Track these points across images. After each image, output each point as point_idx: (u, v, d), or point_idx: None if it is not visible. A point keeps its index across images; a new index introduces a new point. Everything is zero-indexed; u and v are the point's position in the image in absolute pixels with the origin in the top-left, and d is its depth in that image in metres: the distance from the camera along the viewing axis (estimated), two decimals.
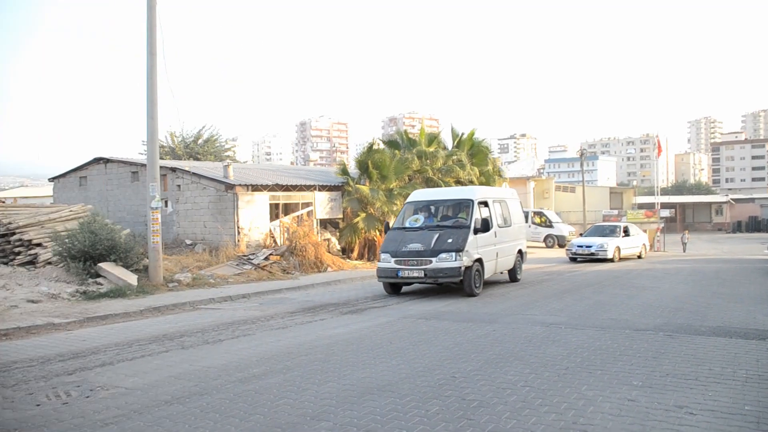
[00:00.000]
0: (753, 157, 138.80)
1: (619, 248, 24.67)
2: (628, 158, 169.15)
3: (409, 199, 15.98)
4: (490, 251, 14.52)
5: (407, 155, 25.52)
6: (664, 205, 52.20)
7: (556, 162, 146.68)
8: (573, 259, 24.86)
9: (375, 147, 25.74)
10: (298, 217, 22.39)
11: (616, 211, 47.10)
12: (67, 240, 14.85)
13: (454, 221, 14.44)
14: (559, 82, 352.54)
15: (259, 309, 12.45)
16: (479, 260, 13.86)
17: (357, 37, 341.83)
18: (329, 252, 21.32)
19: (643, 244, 27.28)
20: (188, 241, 21.49)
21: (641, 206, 57.22)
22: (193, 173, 21.95)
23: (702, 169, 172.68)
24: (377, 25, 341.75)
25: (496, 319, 10.50)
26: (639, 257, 26.48)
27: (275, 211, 22.18)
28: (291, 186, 22.68)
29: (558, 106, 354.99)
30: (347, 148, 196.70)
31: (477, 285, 13.72)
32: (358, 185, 23.25)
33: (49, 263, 15.41)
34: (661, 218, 42.26)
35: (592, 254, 24.13)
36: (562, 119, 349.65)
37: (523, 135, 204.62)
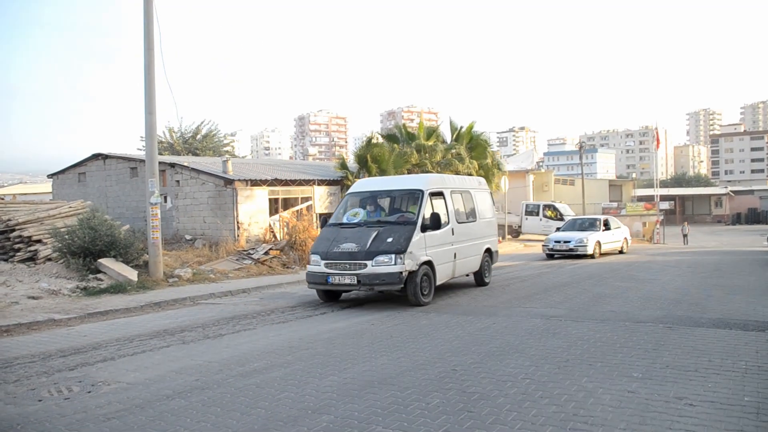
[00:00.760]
0: (752, 149, 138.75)
1: (599, 243, 22.91)
2: (627, 151, 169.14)
3: (351, 189, 13.66)
4: (444, 252, 12.27)
5: (406, 149, 25.55)
6: (664, 198, 52.29)
7: (556, 155, 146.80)
8: (550, 256, 23.03)
9: (374, 141, 25.77)
10: (297, 211, 22.40)
11: (615, 204, 47.13)
12: (66, 236, 14.85)
13: (399, 216, 12.14)
14: (557, 75, 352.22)
15: (260, 303, 12.46)
16: (428, 263, 11.60)
17: (355, 31, 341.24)
18: None
19: (625, 238, 25.47)
20: (188, 237, 21.49)
21: (641, 199, 57.23)
22: (192, 168, 21.94)
23: (701, 161, 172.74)
24: (375, 19, 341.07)
25: (496, 312, 10.51)
26: (620, 252, 24.79)
27: (274, 206, 22.18)
28: (290, 181, 22.68)
29: (557, 99, 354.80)
30: (346, 142, 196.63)
31: (425, 293, 11.51)
32: (357, 179, 23.22)
33: (49, 259, 15.41)
34: (661, 210, 42.29)
35: (571, 250, 22.34)
36: (561, 112, 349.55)
37: (522, 128, 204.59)
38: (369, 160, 23.34)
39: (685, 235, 38.94)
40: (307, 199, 23.15)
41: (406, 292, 11.33)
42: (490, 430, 4.91)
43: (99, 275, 14.41)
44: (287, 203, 22.83)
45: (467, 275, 14.04)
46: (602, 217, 24.91)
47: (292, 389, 6.18)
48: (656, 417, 5.06)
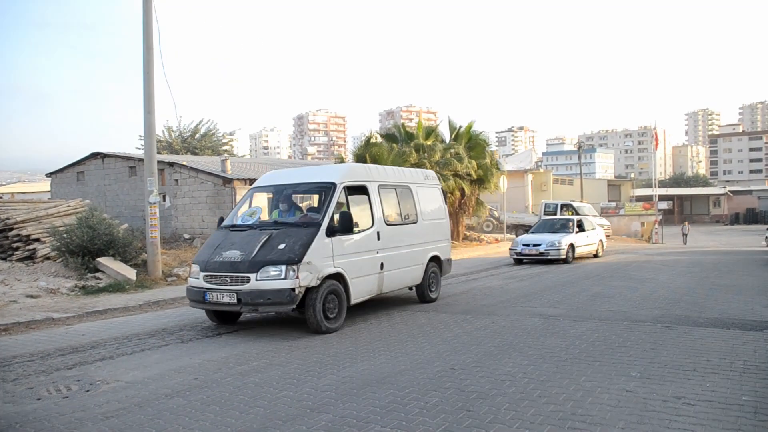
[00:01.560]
0: (750, 149, 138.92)
1: (573, 246, 20.53)
2: (626, 151, 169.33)
3: (255, 183, 11.38)
4: (365, 262, 9.78)
5: (405, 148, 25.58)
6: (662, 198, 52.36)
7: (554, 155, 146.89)
8: (518, 261, 20.68)
9: (373, 140, 25.80)
10: None
11: (614, 204, 47.20)
12: (65, 235, 14.84)
13: (302, 216, 9.84)
14: (557, 75, 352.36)
15: None
16: (338, 276, 9.17)
17: (354, 31, 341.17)
18: None
19: (600, 241, 23.23)
20: (186, 236, 21.49)
21: (639, 199, 57.30)
22: (191, 168, 21.95)
23: (700, 162, 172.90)
24: (374, 18, 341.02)
25: (495, 311, 10.52)
26: (595, 255, 22.63)
27: None
28: None
29: (556, 99, 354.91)
30: (345, 141, 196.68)
31: (332, 316, 9.04)
32: None
33: (48, 258, 15.41)
34: (659, 210, 42.34)
35: (542, 254, 20.10)
36: (560, 112, 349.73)
37: (521, 128, 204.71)
38: (368, 159, 23.34)
39: (685, 235, 39.00)
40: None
41: (304, 314, 8.86)
42: (489, 429, 4.91)
43: (97, 274, 14.41)
44: None
45: (410, 288, 11.76)
46: (575, 218, 22.76)
47: (290, 388, 6.18)
48: (654, 416, 5.07)
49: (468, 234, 30.77)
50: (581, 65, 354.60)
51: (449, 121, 29.52)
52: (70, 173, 27.28)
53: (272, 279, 8.50)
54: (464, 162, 26.56)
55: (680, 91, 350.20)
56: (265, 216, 10.31)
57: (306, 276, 8.59)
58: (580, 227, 21.78)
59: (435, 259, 12.06)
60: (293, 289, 8.48)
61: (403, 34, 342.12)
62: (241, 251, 8.87)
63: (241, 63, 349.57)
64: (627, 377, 6.23)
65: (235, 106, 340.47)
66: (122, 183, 24.61)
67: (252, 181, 21.11)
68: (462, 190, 27.06)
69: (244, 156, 60.52)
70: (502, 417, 5.16)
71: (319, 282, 8.77)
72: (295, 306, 8.60)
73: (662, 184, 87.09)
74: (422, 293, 11.76)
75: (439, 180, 14.56)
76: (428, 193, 12.33)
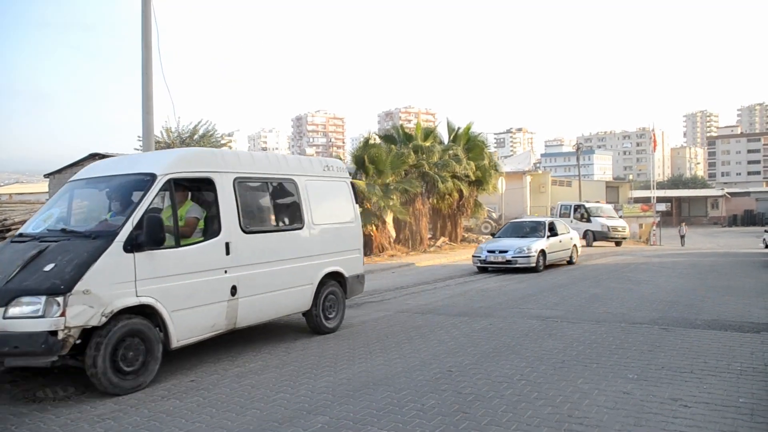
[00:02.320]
0: (749, 151, 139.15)
1: (544, 252, 18.14)
2: (624, 152, 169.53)
3: (72, 177, 8.30)
4: (200, 286, 7.08)
5: (403, 150, 25.57)
6: (660, 199, 52.35)
7: (553, 156, 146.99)
8: (483, 269, 18.27)
9: (371, 142, 25.78)
10: None
11: (612, 205, 47.16)
12: None
13: (100, 223, 7.07)
14: (555, 77, 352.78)
15: None
16: (146, 309, 6.52)
17: (353, 32, 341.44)
18: None
19: (574, 246, 20.89)
20: None
21: (637, 200, 57.37)
22: None
23: (698, 163, 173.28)
24: (373, 19, 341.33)
25: (492, 313, 10.51)
26: (569, 262, 20.41)
27: None
28: None
29: (554, 101, 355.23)
30: (343, 143, 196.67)
31: (132, 368, 6.32)
32: (354, 180, 23.16)
33: None
34: (657, 212, 42.37)
35: (508, 262, 17.61)
36: (559, 114, 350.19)
37: (520, 129, 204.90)
38: (366, 160, 23.34)
39: (682, 236, 38.98)
40: None
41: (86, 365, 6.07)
42: (486, 431, 4.91)
43: None
44: None
45: (302, 314, 8.97)
46: (547, 220, 20.38)
47: (287, 390, 6.17)
48: (651, 418, 5.07)
49: (466, 235, 30.78)
50: (580, 67, 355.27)
51: (448, 123, 29.57)
52: (68, 174, 27.17)
53: (24, 317, 5.77)
54: (462, 163, 26.57)
55: (679, 93, 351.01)
56: (50, 221, 7.50)
57: (81, 311, 5.82)
58: (553, 231, 19.37)
59: (335, 277, 9.27)
60: (54, 333, 5.69)
61: (402, 35, 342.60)
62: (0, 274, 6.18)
63: (240, 64, 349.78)
64: (624, 379, 6.23)
65: (233, 107, 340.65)
66: None
67: None
68: (460, 192, 27.08)
69: None
70: (499, 419, 5.15)
71: (105, 319, 6.02)
72: (59, 357, 5.82)
73: (660, 185, 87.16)
74: (313, 322, 8.91)
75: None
76: (326, 188, 9.42)
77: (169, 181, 6.98)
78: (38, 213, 7.81)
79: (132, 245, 6.36)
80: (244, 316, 7.73)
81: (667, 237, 39.74)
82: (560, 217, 33.75)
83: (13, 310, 5.79)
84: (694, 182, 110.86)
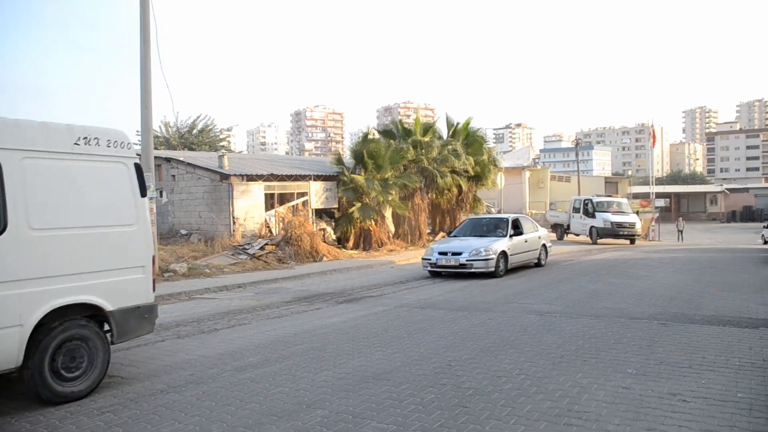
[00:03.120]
0: (747, 147, 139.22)
1: (505, 255, 15.65)
2: (624, 148, 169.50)
3: None
4: None
5: (402, 145, 25.56)
6: (659, 195, 52.47)
7: (552, 152, 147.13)
8: (435, 273, 15.84)
9: (370, 137, 25.76)
10: (293, 206, 22.38)
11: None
12: None
13: None
14: (555, 72, 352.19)
15: (255, 298, 12.46)
16: None
17: (353, 27, 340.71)
18: (324, 242, 21.34)
19: (543, 246, 18.17)
20: (183, 231, 21.47)
21: (636, 196, 57.37)
22: (188, 163, 21.91)
23: (697, 159, 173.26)
24: (373, 15, 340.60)
25: (492, 308, 10.53)
26: (537, 264, 17.88)
27: (270, 201, 22.16)
28: (286, 176, 22.65)
29: (554, 96, 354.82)
30: (342, 137, 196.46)
31: None
32: (353, 175, 23.23)
33: None
34: (656, 208, 42.39)
35: (462, 266, 15.12)
36: (558, 109, 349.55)
37: (519, 125, 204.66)
38: (365, 155, 23.32)
39: (680, 231, 38.95)
40: (303, 194, 23.12)
41: None
42: (485, 425, 4.91)
43: None
44: (283, 198, 22.79)
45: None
46: (510, 217, 17.56)
47: (286, 384, 6.18)
48: (650, 413, 5.08)
49: None
50: (579, 62, 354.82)
51: (447, 118, 29.50)
52: None
53: None
54: (461, 158, 26.53)
55: (678, 89, 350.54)
56: None
57: None
58: (517, 229, 16.78)
59: (85, 310, 6.15)
60: None
61: (401, 30, 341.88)
62: None
63: (238, 59, 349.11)
64: (623, 374, 6.24)
65: (232, 102, 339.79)
66: None
67: (249, 176, 21.08)
68: (459, 187, 27.06)
69: (241, 152, 60.57)
70: (498, 413, 5.16)
71: None
72: None
73: (659, 181, 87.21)
74: (32, 384, 5.68)
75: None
76: (77, 173, 6.28)
77: None
78: None
79: None
80: None
81: (666, 232, 39.75)
82: (573, 212, 32.86)
83: None
84: (693, 178, 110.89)
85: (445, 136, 28.88)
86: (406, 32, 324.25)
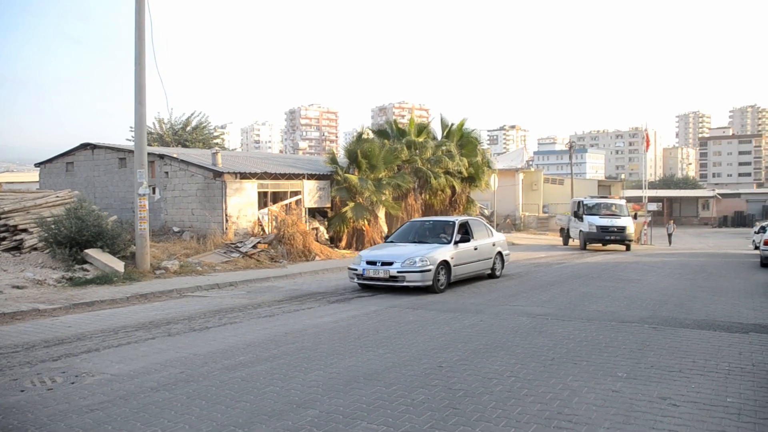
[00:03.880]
0: (740, 153, 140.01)
1: (447, 265, 13.24)
2: (617, 151, 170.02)
3: None
4: None
5: (396, 145, 25.55)
6: (652, 199, 52.48)
7: (545, 154, 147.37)
8: (364, 286, 13.36)
9: (364, 136, 25.76)
10: (286, 205, 22.34)
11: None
12: (53, 226, 14.73)
13: None
14: (549, 75, 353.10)
15: (247, 297, 12.43)
16: None
17: (348, 26, 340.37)
18: (317, 241, 21.32)
19: (499, 254, 15.76)
20: (176, 229, 21.40)
21: (629, 199, 57.35)
22: (182, 160, 21.84)
23: (689, 164, 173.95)
24: (368, 14, 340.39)
25: (483, 310, 10.54)
26: (491, 275, 15.43)
27: (263, 200, 22.13)
28: (280, 174, 22.61)
29: (548, 99, 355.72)
30: (337, 137, 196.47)
31: None
32: (347, 174, 23.21)
33: (35, 249, 15.29)
34: (649, 212, 42.50)
35: (393, 278, 12.63)
36: (552, 112, 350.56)
37: (513, 127, 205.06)
38: (359, 155, 23.31)
39: (669, 234, 39.05)
40: (296, 193, 23.09)
41: None
42: (475, 427, 4.92)
43: (85, 266, 14.32)
44: (276, 197, 22.76)
45: None
46: (458, 220, 14.83)
47: (277, 383, 6.17)
48: (640, 416, 5.09)
49: None
50: (574, 66, 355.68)
51: (441, 119, 29.52)
52: (59, 164, 27.06)
53: None
54: (455, 159, 26.56)
55: (671, 94, 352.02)
56: None
57: None
58: (465, 235, 14.46)
59: None
60: None
61: (396, 30, 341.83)
62: None
63: (233, 56, 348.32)
64: (613, 377, 6.25)
65: (227, 100, 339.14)
66: (112, 174, 24.44)
67: (243, 174, 21.03)
68: (453, 188, 27.08)
69: (235, 149, 60.42)
70: (488, 415, 5.17)
71: None
72: None
73: (652, 185, 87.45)
74: None
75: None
76: None
77: None
78: None
79: None
80: None
81: (658, 237, 39.90)
82: (572, 215, 30.32)
83: None
84: (686, 182, 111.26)
85: (439, 137, 28.90)
86: (402, 32, 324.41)
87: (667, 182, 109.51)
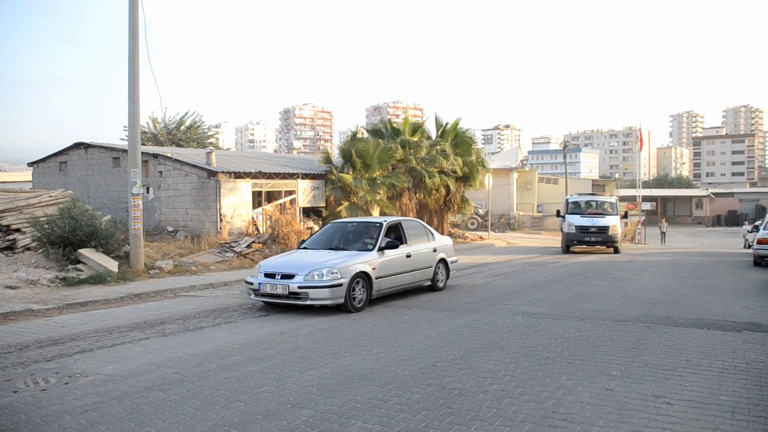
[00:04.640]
0: (733, 152, 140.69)
1: (367, 277, 10.80)
2: (611, 151, 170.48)
3: None
4: None
5: (391, 144, 25.56)
6: (646, 198, 52.67)
7: (540, 154, 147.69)
8: (269, 303, 10.96)
9: (359, 136, 25.77)
10: (280, 205, 22.31)
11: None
12: (46, 225, 14.67)
13: None
14: (544, 75, 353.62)
15: (241, 297, 12.39)
16: None
17: (342, 26, 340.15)
18: None
19: (441, 262, 13.15)
20: (170, 228, 21.34)
21: (623, 199, 57.46)
22: (176, 160, 21.78)
23: (683, 163, 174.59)
24: (363, 14, 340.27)
25: (478, 309, 10.54)
26: (432, 287, 12.85)
27: (258, 199, 22.09)
28: (274, 174, 22.57)
29: (543, 99, 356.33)
30: (331, 136, 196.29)
31: None
32: (341, 174, 23.20)
33: (28, 249, 15.22)
34: (643, 211, 42.61)
35: (294, 295, 10.22)
36: (547, 111, 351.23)
37: (508, 126, 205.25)
38: (354, 154, 23.30)
39: (663, 233, 39.13)
40: (290, 192, 23.06)
41: None
42: (470, 426, 4.92)
43: (79, 266, 14.26)
44: (271, 196, 22.72)
45: None
46: (384, 221, 12.14)
47: (272, 383, 6.16)
48: (634, 415, 5.11)
49: (452, 231, 30.84)
50: (568, 65, 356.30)
51: (436, 118, 29.54)
52: (53, 163, 26.95)
53: None
54: (450, 159, 26.58)
55: (665, 93, 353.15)
56: None
57: None
58: (395, 239, 11.94)
59: None
60: None
61: (391, 30, 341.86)
62: None
63: (228, 55, 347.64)
64: (608, 376, 6.27)
65: (221, 99, 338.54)
66: (105, 174, 24.35)
67: (237, 174, 20.99)
68: (447, 187, 27.10)
69: (229, 149, 60.27)
70: (483, 414, 5.17)
71: None
72: None
73: (646, 184, 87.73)
74: None
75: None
76: None
77: None
78: None
79: None
80: None
81: (652, 236, 40.02)
82: (570, 214, 25.79)
83: None
84: (679, 182, 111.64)
85: (433, 137, 28.92)
86: (397, 32, 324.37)
87: (661, 181, 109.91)
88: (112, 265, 14.26)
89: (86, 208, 15.55)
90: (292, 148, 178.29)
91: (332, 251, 11.53)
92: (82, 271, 14.01)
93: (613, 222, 24.81)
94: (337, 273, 10.29)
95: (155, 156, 22.54)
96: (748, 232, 32.63)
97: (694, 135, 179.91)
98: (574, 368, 6.59)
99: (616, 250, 24.93)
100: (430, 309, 10.65)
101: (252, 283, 10.81)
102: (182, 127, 46.64)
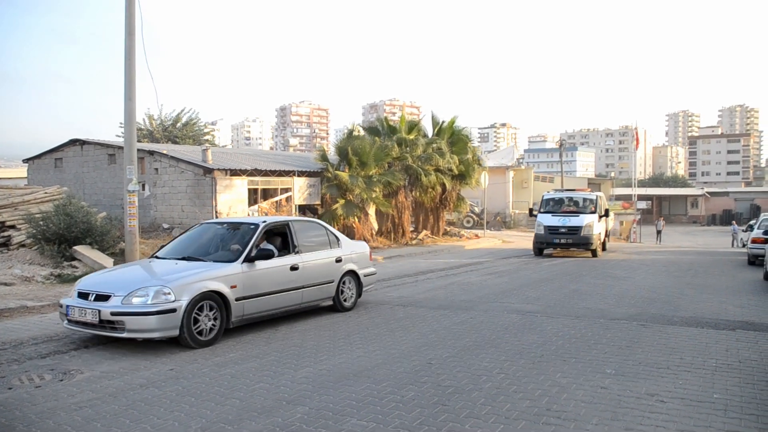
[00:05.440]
0: (728, 152, 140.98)
1: (224, 298, 7.90)
2: (607, 150, 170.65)
3: None
4: None
5: (387, 142, 25.53)
6: (641, 197, 52.94)
7: (536, 152, 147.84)
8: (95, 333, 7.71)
9: (355, 133, 25.73)
10: (276, 202, 22.31)
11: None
12: (41, 222, 14.63)
13: None
14: (540, 73, 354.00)
15: None
16: None
17: (339, 23, 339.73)
18: None
19: (350, 273, 10.39)
20: (165, 225, 21.32)
21: (619, 198, 57.85)
22: (171, 157, 21.75)
23: (679, 162, 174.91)
24: (359, 11, 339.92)
25: (473, 307, 10.56)
26: (335, 307, 10.10)
27: (254, 196, 22.08)
28: (270, 171, 22.57)
29: (539, 97, 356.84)
30: (327, 134, 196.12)
31: None
32: (337, 171, 23.19)
33: (23, 246, 15.18)
34: (638, 210, 42.75)
35: (109, 324, 7.32)
36: (543, 110, 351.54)
37: (504, 124, 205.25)
38: (350, 152, 23.29)
39: (658, 231, 39.22)
40: (286, 190, 23.05)
41: None
42: (464, 423, 4.94)
43: (74, 262, 14.23)
44: (267, 194, 22.72)
45: None
46: (262, 222, 9.27)
47: (267, 380, 6.17)
48: (628, 412, 5.13)
49: (448, 229, 30.85)
50: (565, 64, 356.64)
51: (432, 116, 29.52)
52: (48, 160, 26.88)
53: None
54: (446, 157, 26.58)
55: (661, 93, 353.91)
56: None
57: None
58: (282, 247, 9.34)
59: None
60: None
61: (388, 28, 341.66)
62: None
63: (224, 53, 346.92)
64: (602, 374, 6.29)
65: (217, 96, 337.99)
66: (101, 171, 24.30)
67: (233, 171, 20.97)
68: (443, 185, 27.11)
69: (225, 146, 60.18)
70: (477, 412, 5.19)
71: None
72: None
73: (642, 183, 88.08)
74: None
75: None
76: None
77: None
78: None
79: None
80: None
81: (647, 234, 40.14)
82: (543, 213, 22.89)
83: None
84: (675, 181, 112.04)
85: (430, 134, 28.91)
86: (393, 30, 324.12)
87: (656, 180, 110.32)
88: (108, 263, 14.22)
89: (81, 205, 15.51)
90: (289, 145, 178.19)
91: (184, 261, 8.67)
92: (77, 268, 13.99)
93: (587, 221, 21.44)
94: (170, 294, 7.39)
95: (151, 153, 22.51)
96: (743, 231, 32.73)
97: (689, 134, 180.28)
98: (569, 366, 6.62)
99: (594, 254, 21.76)
100: (425, 307, 10.66)
101: (62, 306, 8.00)
102: (178, 124, 46.55)
